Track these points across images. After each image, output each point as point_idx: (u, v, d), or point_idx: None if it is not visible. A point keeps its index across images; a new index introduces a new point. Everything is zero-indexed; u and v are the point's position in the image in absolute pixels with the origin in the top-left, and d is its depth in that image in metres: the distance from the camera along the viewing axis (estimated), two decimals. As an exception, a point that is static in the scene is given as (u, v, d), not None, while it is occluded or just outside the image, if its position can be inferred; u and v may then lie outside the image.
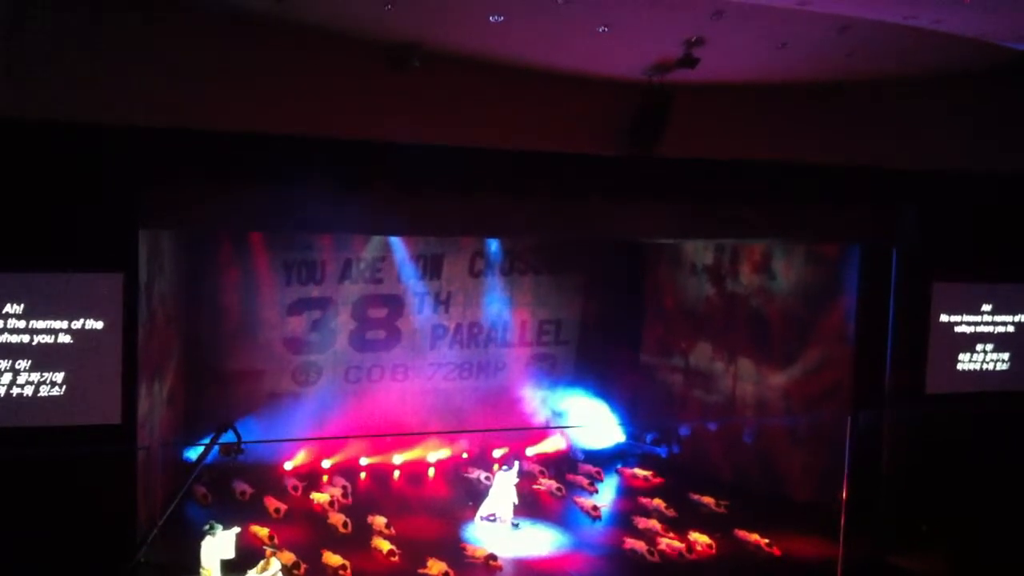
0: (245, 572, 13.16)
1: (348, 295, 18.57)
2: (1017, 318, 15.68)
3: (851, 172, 14.44)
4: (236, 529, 13.36)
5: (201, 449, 16.81)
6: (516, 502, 16.21)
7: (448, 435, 19.21)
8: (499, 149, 12.98)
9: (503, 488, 16.26)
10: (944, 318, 15.29)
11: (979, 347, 15.51)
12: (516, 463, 16.90)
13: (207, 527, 13.11)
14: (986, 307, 15.47)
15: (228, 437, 11.58)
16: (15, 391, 11.43)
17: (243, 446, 12.99)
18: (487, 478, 16.75)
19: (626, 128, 12.77)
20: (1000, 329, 15.59)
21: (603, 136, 12.99)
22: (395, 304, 19.01)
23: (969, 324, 15.43)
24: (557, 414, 20.30)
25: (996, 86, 13.58)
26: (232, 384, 17.87)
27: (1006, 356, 15.64)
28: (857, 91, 13.40)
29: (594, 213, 14.32)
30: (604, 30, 10.77)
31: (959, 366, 15.41)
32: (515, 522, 15.99)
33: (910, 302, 15.31)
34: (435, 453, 19.22)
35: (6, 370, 11.41)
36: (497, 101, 12.47)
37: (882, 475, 15.52)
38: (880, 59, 12.13)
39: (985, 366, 15.55)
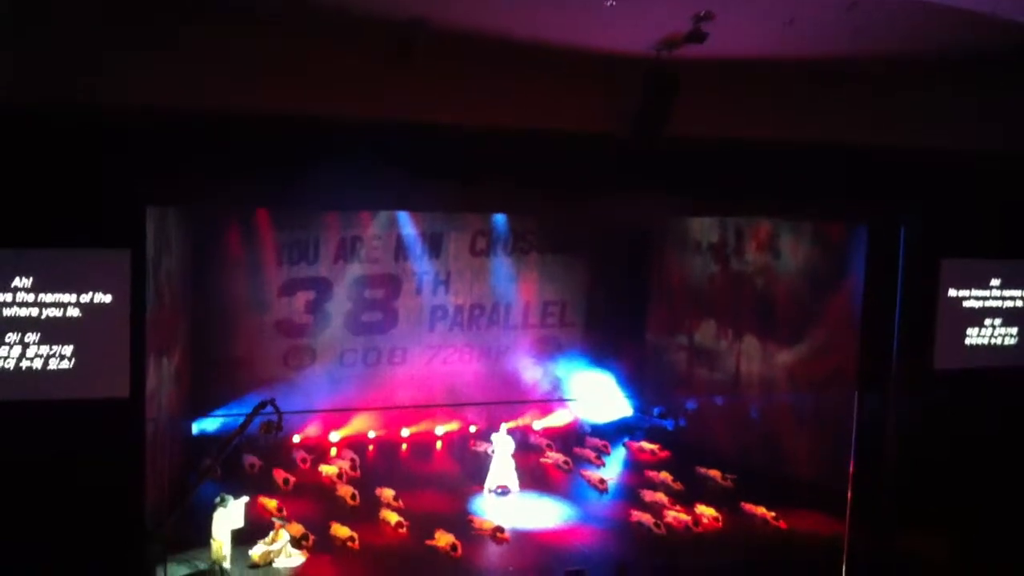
0: (254, 543, 13.33)
1: (343, 275, 18.49)
2: (1024, 293, 15.69)
3: (858, 151, 14.38)
4: (245, 498, 13.52)
5: (208, 426, 17.47)
6: (515, 471, 16.36)
7: (456, 410, 19.33)
8: (503, 128, 12.94)
9: (504, 454, 16.39)
10: (953, 293, 15.27)
11: (987, 322, 15.50)
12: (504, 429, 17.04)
13: (218, 499, 13.25)
14: (995, 281, 15.46)
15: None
16: (24, 364, 11.52)
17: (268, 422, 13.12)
18: (492, 451, 16.86)
19: (632, 108, 12.71)
20: (1009, 304, 15.57)
21: (608, 115, 12.94)
22: (393, 285, 18.95)
23: (978, 299, 15.42)
24: (561, 384, 20.30)
25: (1003, 66, 13.49)
26: (237, 364, 17.97)
27: (1014, 331, 15.62)
28: (864, 70, 13.32)
29: (599, 193, 14.27)
30: (612, 4, 10.72)
31: (967, 341, 15.40)
32: (499, 489, 16.13)
33: (918, 279, 15.26)
34: (442, 427, 19.33)
35: (16, 343, 11.50)
36: (501, 80, 12.40)
37: (888, 453, 15.53)
38: (887, 38, 12.05)
39: (993, 341, 15.54)
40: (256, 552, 13.24)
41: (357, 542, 13.92)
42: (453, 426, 19.39)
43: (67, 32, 10.72)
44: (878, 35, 11.72)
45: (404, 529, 14.50)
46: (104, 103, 11.16)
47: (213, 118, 11.70)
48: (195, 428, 17.40)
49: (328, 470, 16.82)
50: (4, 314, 11.45)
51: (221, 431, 17.37)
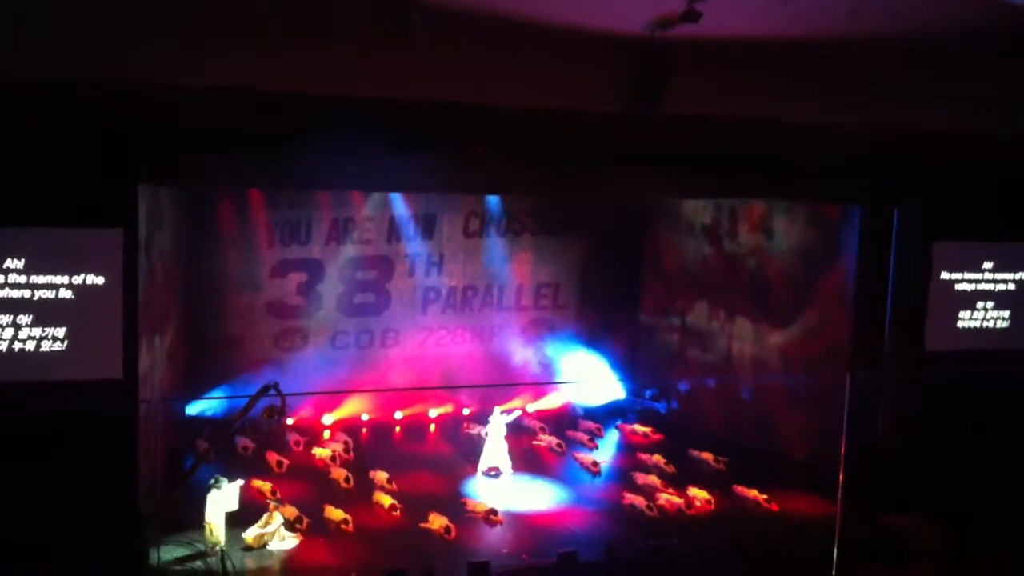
0: (248, 526, 13.31)
1: (336, 257, 18.39)
2: (1018, 276, 15.70)
3: (852, 132, 14.37)
4: (240, 481, 13.50)
5: (202, 407, 17.43)
6: (508, 454, 16.37)
7: (449, 393, 19.31)
8: (497, 107, 12.89)
9: (498, 436, 16.41)
10: (945, 276, 15.31)
11: (979, 305, 15.55)
12: (515, 411, 17.07)
13: (212, 481, 13.22)
14: (987, 265, 15.50)
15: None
16: (16, 346, 11.46)
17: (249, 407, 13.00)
18: (486, 434, 16.88)
19: (626, 86, 12.67)
20: (1001, 287, 15.62)
21: (602, 94, 12.88)
22: (385, 266, 18.86)
23: (970, 282, 15.46)
24: (554, 367, 20.29)
25: (998, 47, 13.47)
26: (229, 345, 17.95)
27: (1006, 314, 15.68)
28: (858, 51, 13.29)
29: (593, 173, 14.24)
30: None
31: (959, 324, 15.45)
32: (491, 472, 16.13)
33: (911, 261, 15.30)
34: (436, 409, 19.31)
35: (7, 325, 11.43)
36: (493, 57, 12.35)
37: (880, 435, 15.59)
38: (883, 17, 12.03)
39: (985, 324, 15.59)
40: (250, 535, 13.23)
41: (351, 525, 13.93)
42: (447, 408, 19.37)
43: (58, 9, 10.61)
44: (874, 14, 11.69)
45: (398, 512, 14.51)
46: (97, 79, 11.06)
47: (207, 96, 11.61)
48: (188, 409, 17.36)
49: (321, 453, 16.81)
50: (-4, 295, 11.41)
51: (214, 412, 17.37)
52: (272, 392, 12.69)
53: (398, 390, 18.89)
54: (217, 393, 17.39)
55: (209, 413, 17.55)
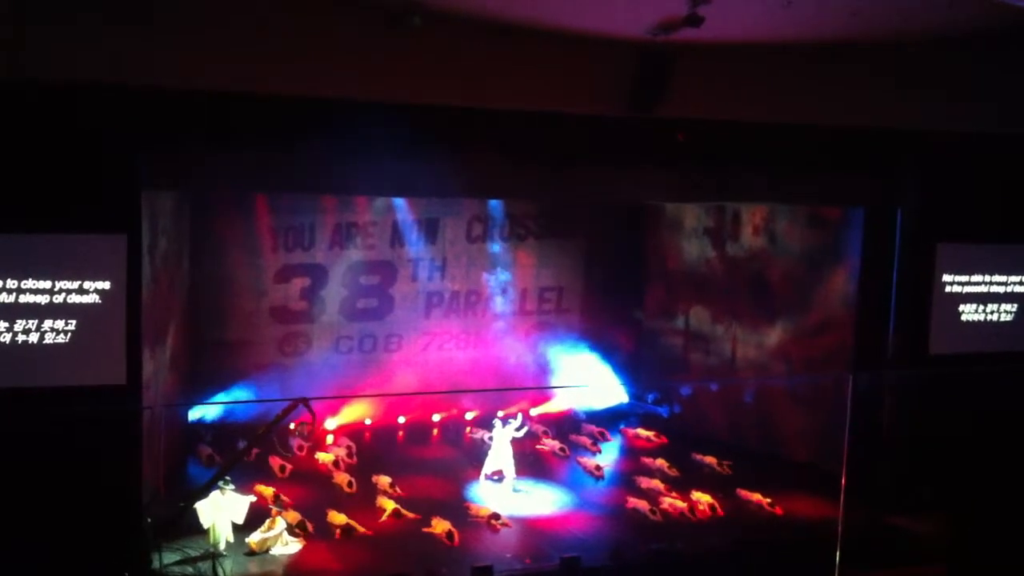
0: (251, 531, 13.31)
1: (339, 261, 18.38)
2: (1020, 277, 15.69)
3: (854, 133, 14.39)
4: (251, 498, 13.49)
5: (204, 412, 17.44)
6: (512, 459, 16.33)
7: (452, 397, 19.27)
8: (497, 109, 12.92)
9: (503, 442, 16.38)
10: (947, 278, 15.31)
11: (982, 306, 15.54)
12: (519, 417, 17.04)
13: (222, 482, 13.19)
14: (990, 267, 15.48)
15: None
16: (20, 351, 11.46)
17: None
18: (491, 438, 16.86)
19: (627, 88, 12.70)
20: (1004, 288, 15.61)
21: (604, 96, 12.92)
22: (388, 271, 18.87)
23: (973, 284, 15.45)
24: (557, 371, 20.28)
25: (999, 46, 13.49)
26: (233, 350, 17.90)
27: (1009, 315, 15.67)
28: (860, 52, 13.32)
29: (594, 176, 14.25)
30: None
31: (962, 325, 15.43)
32: (517, 488, 16.08)
33: (913, 263, 15.32)
34: (439, 414, 19.29)
35: (10, 331, 11.43)
36: (496, 60, 12.39)
37: (883, 436, 15.58)
38: (884, 18, 12.04)
39: (987, 325, 15.57)
40: (253, 539, 13.23)
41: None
42: (449, 413, 19.34)
43: (59, 13, 10.65)
44: (875, 15, 11.70)
45: (401, 516, 14.49)
46: (99, 85, 11.10)
47: (209, 99, 11.65)
48: (190, 413, 17.36)
49: (324, 457, 16.79)
50: (-1, 301, 11.42)
51: (219, 418, 17.38)
52: (301, 407, 12.66)
53: (404, 394, 18.87)
54: (221, 397, 17.40)
55: (211, 418, 17.53)
